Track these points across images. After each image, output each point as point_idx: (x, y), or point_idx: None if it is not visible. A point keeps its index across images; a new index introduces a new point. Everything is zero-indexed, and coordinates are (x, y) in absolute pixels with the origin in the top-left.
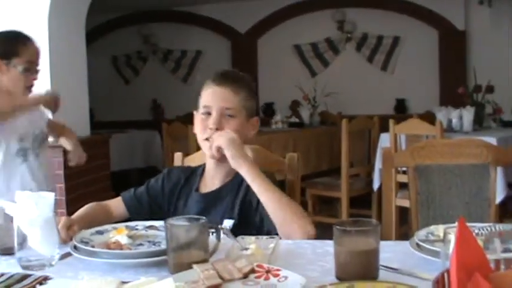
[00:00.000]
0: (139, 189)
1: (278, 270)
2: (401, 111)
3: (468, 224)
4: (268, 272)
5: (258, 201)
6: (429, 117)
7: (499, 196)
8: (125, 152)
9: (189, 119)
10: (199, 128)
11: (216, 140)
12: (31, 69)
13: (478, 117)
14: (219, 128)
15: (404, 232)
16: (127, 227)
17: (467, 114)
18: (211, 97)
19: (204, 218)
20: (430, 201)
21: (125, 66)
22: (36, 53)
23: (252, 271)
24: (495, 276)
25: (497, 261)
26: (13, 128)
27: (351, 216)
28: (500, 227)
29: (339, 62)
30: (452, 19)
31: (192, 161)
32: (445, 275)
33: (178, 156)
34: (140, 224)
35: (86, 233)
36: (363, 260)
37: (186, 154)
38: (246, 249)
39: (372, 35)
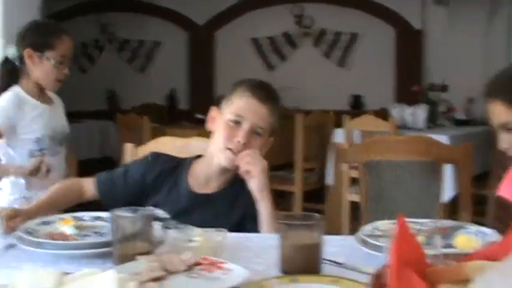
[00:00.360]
0: (117, 171)
1: (222, 263)
2: (357, 107)
3: (412, 220)
4: (212, 264)
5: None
6: (384, 114)
7: (449, 193)
8: (80, 142)
9: (144, 110)
10: (225, 134)
11: (248, 164)
12: (64, 63)
13: (431, 115)
14: (246, 143)
15: (356, 227)
16: (74, 217)
17: (421, 112)
18: (248, 110)
19: (149, 209)
20: (380, 197)
21: (81, 55)
22: (70, 48)
23: (197, 264)
24: (431, 272)
25: (436, 257)
26: (30, 131)
27: (304, 210)
28: (442, 223)
29: (297, 57)
30: (409, 18)
31: (147, 150)
32: (384, 269)
33: (128, 147)
34: (87, 215)
35: (32, 223)
36: (306, 253)
37: (139, 145)
38: (193, 241)
39: (330, 30)
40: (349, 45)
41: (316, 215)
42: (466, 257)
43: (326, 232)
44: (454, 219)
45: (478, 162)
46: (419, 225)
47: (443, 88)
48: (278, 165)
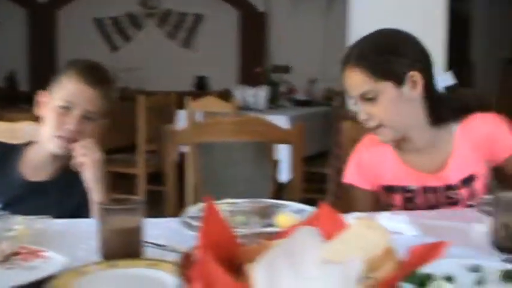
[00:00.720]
0: None
1: (42, 251)
2: (201, 88)
3: (232, 201)
4: (31, 253)
5: None
6: (227, 95)
7: (285, 174)
8: None
9: None
10: (55, 121)
11: (82, 156)
12: None
13: (272, 96)
14: (78, 130)
15: None
16: None
17: (262, 93)
18: (78, 95)
19: None
20: (213, 178)
21: None
22: None
23: (15, 253)
24: (242, 251)
25: (251, 236)
26: None
27: (147, 192)
28: (263, 202)
29: (141, 38)
30: (253, 0)
31: None
32: (194, 250)
33: None
34: None
35: None
36: (125, 238)
37: None
38: (11, 230)
39: (175, 11)
40: (194, 26)
41: (137, 198)
42: (277, 235)
43: (169, 214)
44: (291, 199)
45: (318, 141)
46: (238, 206)
47: (286, 70)
48: (120, 148)
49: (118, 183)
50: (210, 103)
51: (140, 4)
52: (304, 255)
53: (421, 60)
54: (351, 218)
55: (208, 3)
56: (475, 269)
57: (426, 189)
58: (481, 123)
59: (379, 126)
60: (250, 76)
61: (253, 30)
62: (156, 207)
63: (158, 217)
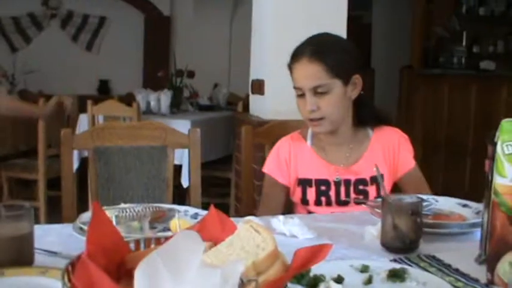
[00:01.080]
0: None
1: None
2: (104, 92)
3: (127, 206)
4: None
5: None
6: (130, 99)
7: (185, 179)
8: None
9: None
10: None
11: None
12: None
13: (175, 101)
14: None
15: None
16: None
17: (165, 97)
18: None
19: None
20: (111, 183)
21: None
22: None
23: None
24: (131, 257)
25: (148, 240)
26: None
27: (49, 198)
28: (159, 208)
29: (42, 39)
30: (158, 4)
31: None
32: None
33: None
34: None
35: None
36: (14, 245)
37: None
38: None
39: (78, 13)
40: (98, 28)
41: (26, 204)
42: (168, 239)
43: (66, 220)
44: (192, 203)
45: (222, 146)
46: (134, 211)
47: (190, 74)
48: (21, 152)
49: (18, 189)
50: (112, 107)
51: (42, 4)
52: (184, 258)
53: (362, 66)
54: (241, 222)
55: (113, 5)
56: (364, 269)
57: (339, 182)
58: (393, 134)
59: (321, 118)
60: (153, 80)
61: (158, 34)
62: (58, 213)
63: (58, 223)
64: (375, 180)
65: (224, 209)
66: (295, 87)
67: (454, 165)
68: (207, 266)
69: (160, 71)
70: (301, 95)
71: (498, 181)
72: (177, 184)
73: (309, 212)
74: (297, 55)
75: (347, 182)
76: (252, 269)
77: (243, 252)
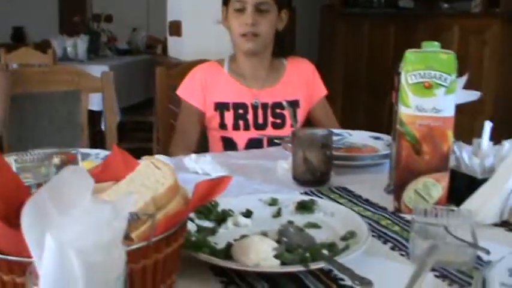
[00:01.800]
0: None
1: None
2: (19, 40)
3: (34, 152)
4: None
5: None
6: (46, 46)
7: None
8: None
9: None
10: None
11: None
12: None
13: (93, 46)
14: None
15: None
16: None
17: (82, 43)
18: None
19: None
20: (23, 130)
21: None
22: None
23: None
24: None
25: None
26: None
27: None
28: (69, 151)
29: None
30: None
31: None
32: None
33: None
34: None
35: None
36: None
37: None
38: None
39: None
40: None
41: None
42: None
43: None
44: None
45: (141, 89)
46: (42, 156)
47: (107, 18)
48: None
49: None
50: (26, 55)
51: None
52: (72, 193)
53: (290, 6)
54: (142, 159)
55: None
56: (273, 202)
57: (257, 106)
58: (306, 63)
59: (256, 35)
60: (69, 26)
61: None
62: None
63: None
64: (291, 104)
65: (148, 153)
66: (235, 2)
67: (374, 103)
68: (97, 201)
69: (77, 15)
70: (240, 10)
71: (403, 111)
72: (100, 129)
73: (227, 139)
74: None
75: (264, 106)
76: (152, 204)
77: (143, 188)
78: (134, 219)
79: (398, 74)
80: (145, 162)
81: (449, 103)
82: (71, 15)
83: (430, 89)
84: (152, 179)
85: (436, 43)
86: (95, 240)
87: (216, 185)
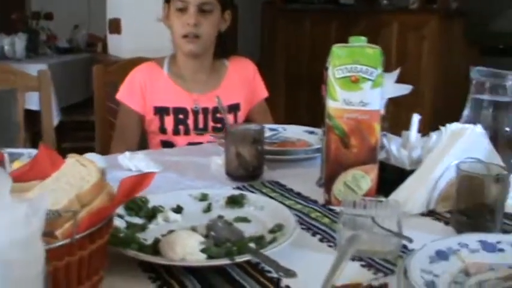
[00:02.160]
0: None
1: None
2: None
3: None
4: None
5: None
6: None
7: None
8: None
9: None
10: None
11: None
12: None
13: (32, 45)
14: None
15: None
16: None
17: (20, 41)
18: None
19: None
20: None
21: None
22: None
23: None
24: None
25: None
26: None
27: None
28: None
29: None
30: None
31: None
32: None
33: None
34: None
35: None
36: None
37: None
38: None
39: None
40: None
41: None
42: None
43: None
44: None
45: (81, 88)
46: None
47: (48, 16)
48: None
49: None
50: None
51: None
52: None
53: (232, 4)
54: (68, 157)
55: None
56: (203, 197)
57: (197, 111)
58: (248, 64)
59: (197, 36)
60: (7, 23)
61: None
62: None
63: None
64: (232, 108)
65: (91, 151)
66: (177, 1)
67: (315, 99)
68: (13, 199)
69: (15, 13)
70: (182, 10)
71: (331, 105)
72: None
73: (167, 143)
74: None
75: (205, 110)
76: (76, 202)
77: (68, 186)
78: (56, 217)
79: (327, 69)
80: (71, 160)
81: (376, 97)
82: (8, 12)
83: (356, 83)
84: (77, 176)
85: (363, 38)
86: (11, 237)
87: (140, 181)
